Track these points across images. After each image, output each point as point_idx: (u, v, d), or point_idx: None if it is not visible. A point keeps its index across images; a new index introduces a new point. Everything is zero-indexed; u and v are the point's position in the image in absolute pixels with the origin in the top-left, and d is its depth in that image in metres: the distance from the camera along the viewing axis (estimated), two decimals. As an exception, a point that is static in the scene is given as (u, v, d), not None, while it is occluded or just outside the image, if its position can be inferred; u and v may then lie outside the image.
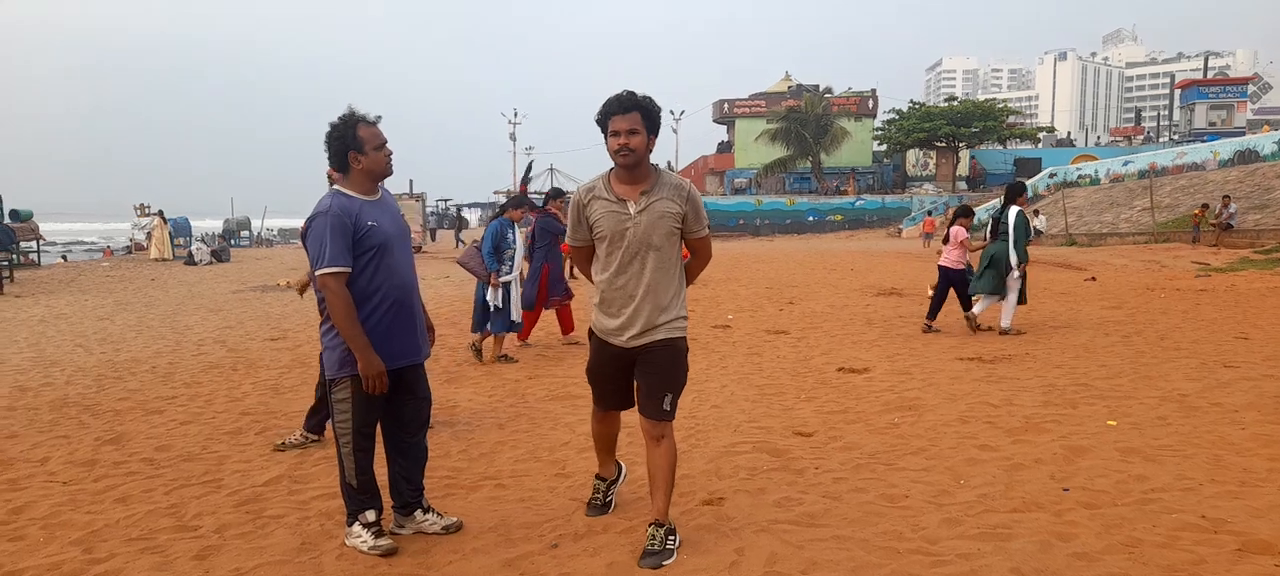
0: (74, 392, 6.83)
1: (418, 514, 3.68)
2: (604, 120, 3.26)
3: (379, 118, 3.51)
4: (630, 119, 3.21)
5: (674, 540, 3.35)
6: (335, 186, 3.48)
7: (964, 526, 3.63)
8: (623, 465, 4.01)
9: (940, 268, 9.51)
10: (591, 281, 3.52)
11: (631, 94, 3.25)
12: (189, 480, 4.47)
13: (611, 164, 3.34)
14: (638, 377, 3.43)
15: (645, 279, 3.31)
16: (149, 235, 29.83)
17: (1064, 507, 3.81)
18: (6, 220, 24.63)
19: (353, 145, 3.39)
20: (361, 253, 3.36)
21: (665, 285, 3.34)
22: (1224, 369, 6.84)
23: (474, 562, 3.37)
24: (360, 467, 3.47)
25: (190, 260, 26.13)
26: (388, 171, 3.52)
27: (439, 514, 3.73)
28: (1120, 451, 4.64)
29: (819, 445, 4.97)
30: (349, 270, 3.33)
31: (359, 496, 3.49)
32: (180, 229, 35.59)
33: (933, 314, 9.47)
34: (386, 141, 3.48)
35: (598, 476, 3.89)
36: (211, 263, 25.97)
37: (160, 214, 30.04)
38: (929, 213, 37.98)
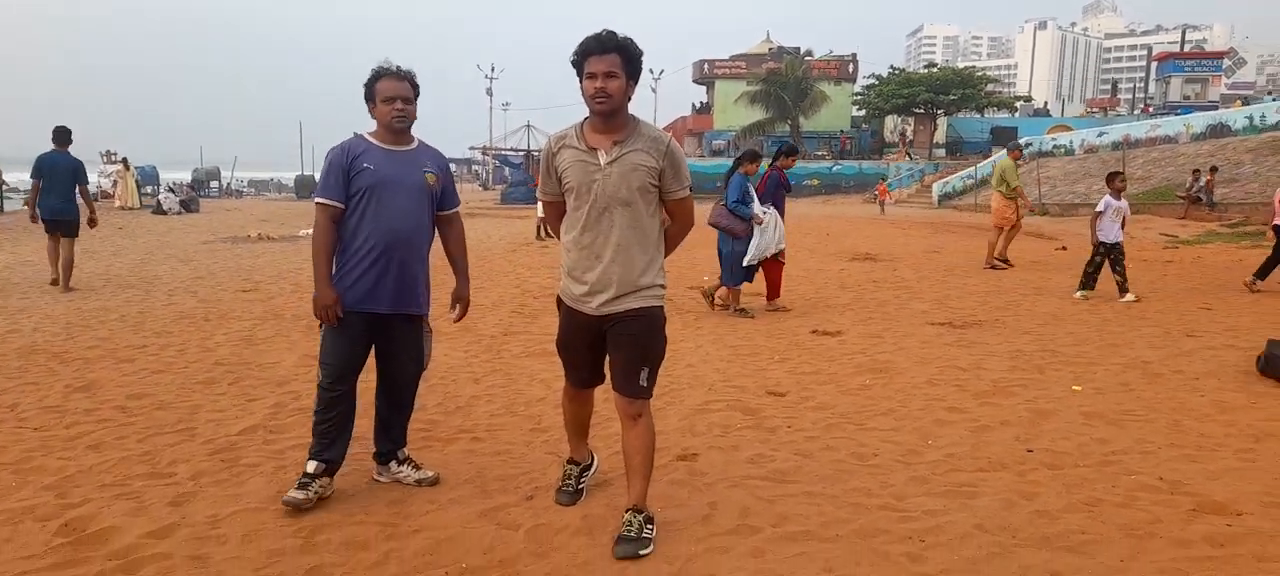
0: (42, 339, 6.75)
1: (394, 464, 3.71)
2: (580, 61, 2.97)
3: (405, 73, 3.52)
4: (609, 61, 2.92)
5: (651, 528, 3.11)
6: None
7: (930, 484, 3.72)
8: (595, 455, 3.74)
9: (1274, 227, 9.74)
10: (558, 240, 3.32)
11: (611, 33, 2.96)
12: (162, 428, 4.46)
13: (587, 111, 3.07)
14: (610, 351, 3.17)
15: (614, 237, 3.03)
16: (114, 183, 29.25)
17: (1027, 468, 3.92)
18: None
19: (368, 96, 3.51)
20: (352, 193, 3.43)
21: (638, 246, 3.06)
22: (1186, 338, 7.00)
23: (450, 513, 3.41)
24: (318, 404, 3.49)
25: (158, 209, 25.68)
26: (393, 127, 3.50)
27: (416, 466, 3.75)
28: (1084, 415, 4.76)
29: (791, 405, 5.04)
30: (336, 205, 3.42)
31: (314, 434, 3.51)
32: (148, 177, 34.95)
33: (1263, 273, 9.60)
34: (400, 96, 3.47)
35: (570, 460, 3.61)
36: (180, 212, 25.55)
37: (124, 161, 29.36)
38: (883, 178, 38.02)
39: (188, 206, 26.69)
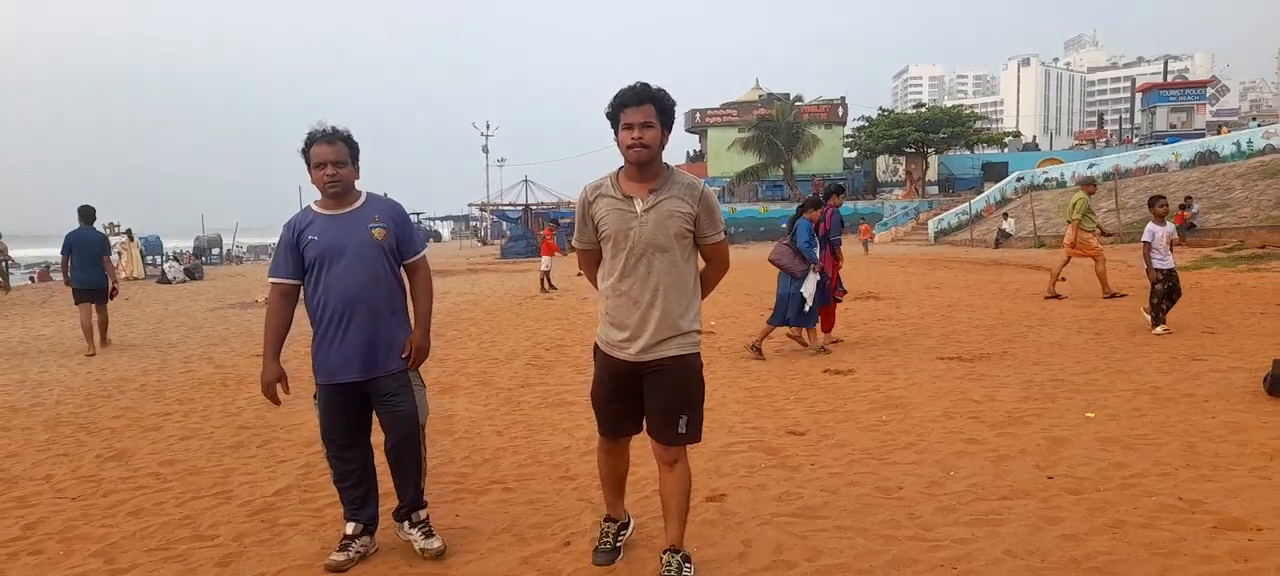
0: (66, 411, 6.83)
1: (407, 525, 3.63)
2: (615, 113, 3.05)
3: (338, 134, 3.44)
4: (644, 111, 3.00)
5: (690, 567, 3.18)
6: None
7: (957, 514, 3.81)
8: (631, 516, 3.69)
9: None
10: (596, 287, 3.35)
11: (646, 85, 3.04)
12: (198, 492, 4.54)
13: (618, 166, 3.15)
14: (647, 398, 3.17)
15: (652, 283, 3.07)
16: (119, 254, 29.51)
17: (1050, 494, 4.01)
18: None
19: (306, 162, 3.47)
20: (306, 268, 3.45)
21: (676, 292, 3.10)
22: (1193, 362, 7.11)
23: (491, 561, 3.49)
24: (334, 474, 3.59)
25: (163, 278, 25.87)
26: (328, 192, 3.45)
27: (426, 534, 3.60)
28: (1099, 441, 4.86)
29: (812, 443, 5.13)
30: (286, 281, 3.46)
31: (341, 500, 3.60)
32: (151, 247, 35.20)
33: None
34: (330, 161, 3.39)
35: (607, 519, 3.54)
36: (185, 281, 25.73)
37: (129, 232, 29.70)
38: (863, 220, 38.48)
39: (192, 274, 26.90)
